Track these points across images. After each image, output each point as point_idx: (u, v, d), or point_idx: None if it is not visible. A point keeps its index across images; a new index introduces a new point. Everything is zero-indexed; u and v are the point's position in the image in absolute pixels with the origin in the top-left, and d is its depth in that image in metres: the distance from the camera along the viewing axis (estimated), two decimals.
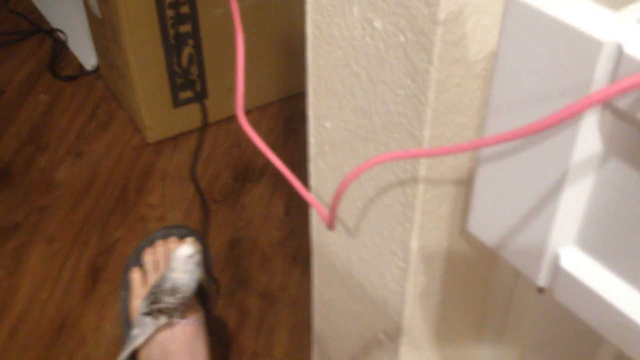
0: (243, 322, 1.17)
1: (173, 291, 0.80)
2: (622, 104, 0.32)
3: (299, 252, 1.28)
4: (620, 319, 0.39)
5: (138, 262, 0.91)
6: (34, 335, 1.15)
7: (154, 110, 1.44)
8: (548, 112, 0.36)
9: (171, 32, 1.37)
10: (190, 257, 0.81)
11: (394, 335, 0.63)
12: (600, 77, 0.33)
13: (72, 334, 1.15)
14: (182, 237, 0.92)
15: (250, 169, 1.43)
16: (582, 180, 0.37)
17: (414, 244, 0.55)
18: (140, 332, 0.83)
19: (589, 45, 0.33)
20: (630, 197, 0.36)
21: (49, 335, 1.15)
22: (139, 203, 1.36)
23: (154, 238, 0.93)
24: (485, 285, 0.67)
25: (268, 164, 1.43)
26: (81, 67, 1.66)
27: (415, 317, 0.61)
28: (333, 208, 0.45)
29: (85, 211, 1.35)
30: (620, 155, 0.35)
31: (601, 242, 0.39)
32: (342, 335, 0.73)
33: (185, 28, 1.38)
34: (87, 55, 1.66)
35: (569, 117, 0.31)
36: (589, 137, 0.35)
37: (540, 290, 0.58)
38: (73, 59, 1.69)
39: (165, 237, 0.93)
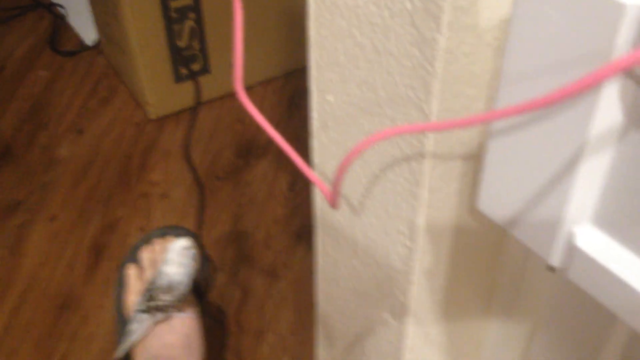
0: (246, 300, 1.15)
1: (169, 289, 0.79)
2: None
3: (303, 230, 1.26)
4: (638, 300, 0.37)
5: (134, 260, 0.91)
6: (37, 314, 1.14)
7: (156, 86, 1.41)
8: (565, 82, 0.34)
9: (172, 5, 1.34)
10: (186, 249, 0.80)
11: (399, 315, 0.61)
12: (622, 43, 0.30)
13: (75, 312, 1.14)
14: (178, 237, 0.92)
15: (254, 145, 1.41)
16: (600, 154, 0.35)
17: (421, 222, 0.53)
18: (137, 327, 0.82)
19: (610, 9, 0.30)
20: None
21: (51, 313, 1.14)
22: (141, 180, 1.35)
23: (150, 237, 0.93)
24: (494, 263, 0.65)
25: (272, 140, 1.41)
26: (81, 42, 1.63)
27: (421, 297, 0.60)
28: (336, 185, 0.43)
29: (87, 188, 1.33)
30: None
31: (620, 219, 0.37)
32: (346, 315, 0.71)
33: (186, 1, 1.35)
34: (87, 30, 1.63)
35: (589, 87, 0.28)
36: (609, 107, 0.33)
37: (551, 269, 0.56)
38: (73, 34, 1.66)
39: (161, 236, 0.93)
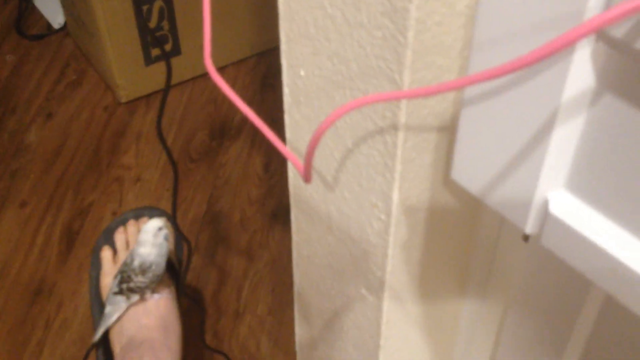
0: (224, 282, 1.15)
1: (143, 270, 0.78)
2: (618, 32, 0.30)
3: (279, 210, 1.26)
4: (612, 264, 0.37)
5: (108, 242, 0.90)
6: (11, 302, 1.12)
7: (125, 69, 1.39)
8: (537, 45, 0.33)
9: None
10: (160, 229, 0.79)
11: (376, 290, 0.61)
12: (594, 4, 0.30)
13: (49, 299, 1.13)
14: (152, 218, 0.91)
15: (227, 126, 1.40)
16: (573, 119, 0.35)
17: (395, 195, 0.53)
18: (113, 310, 0.82)
19: None
20: (624, 133, 0.34)
21: (25, 300, 1.12)
22: (113, 164, 1.33)
23: (124, 218, 0.92)
24: (469, 236, 0.65)
25: (245, 120, 1.40)
26: (48, 25, 1.60)
27: (398, 271, 0.59)
28: (308, 158, 0.43)
29: (58, 174, 1.31)
30: (614, 89, 0.33)
31: (592, 184, 0.37)
32: (323, 292, 0.71)
33: None
34: (54, 13, 1.60)
35: (562, 48, 0.28)
36: (581, 71, 0.32)
37: (526, 238, 0.56)
38: (39, 17, 1.63)
39: (136, 217, 0.92)
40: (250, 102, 1.44)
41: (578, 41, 0.29)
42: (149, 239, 0.78)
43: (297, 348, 0.85)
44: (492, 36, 0.35)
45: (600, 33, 0.31)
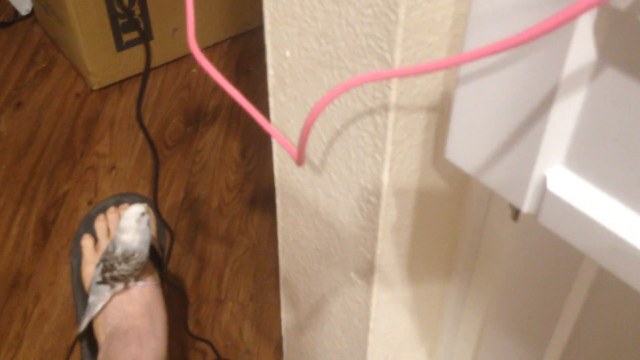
0: (204, 269, 1.14)
1: (126, 258, 0.77)
2: (622, 4, 0.29)
3: (257, 195, 1.24)
4: (612, 241, 0.37)
5: (88, 230, 0.88)
6: None
7: (97, 55, 1.36)
8: (536, 19, 0.33)
9: None
10: (142, 214, 0.77)
11: (365, 273, 0.61)
12: None
13: (26, 291, 1.11)
14: (133, 204, 0.90)
15: (202, 112, 1.38)
16: (573, 94, 0.34)
17: (386, 177, 0.52)
18: (97, 300, 0.80)
19: None
20: (624, 107, 0.33)
21: (2, 293, 1.10)
22: (87, 152, 1.30)
23: (104, 205, 0.90)
24: (456, 216, 0.65)
25: (220, 105, 1.38)
26: (15, 12, 1.56)
27: (387, 253, 0.59)
28: (302, 141, 0.42)
29: (31, 164, 1.28)
30: (616, 63, 0.32)
31: (592, 160, 0.36)
32: (310, 277, 0.70)
33: None
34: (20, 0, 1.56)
35: (567, 21, 0.27)
36: (582, 44, 0.32)
37: (515, 216, 0.55)
38: (6, 3, 1.59)
39: (116, 204, 0.90)
40: None
41: (581, 15, 0.28)
42: (131, 225, 0.77)
43: (284, 333, 0.85)
44: (489, 9, 0.35)
45: (603, 5, 0.30)
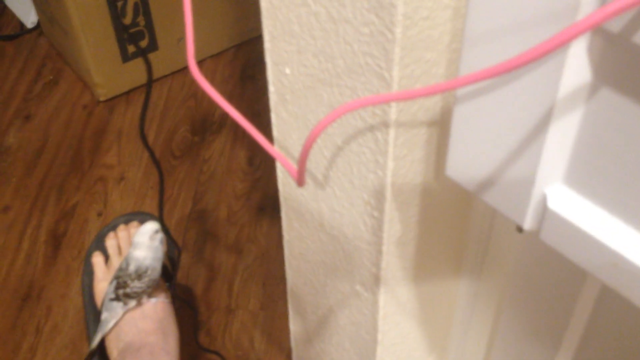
0: (214, 279, 1.14)
1: (139, 275, 0.77)
2: (615, 27, 0.29)
3: (265, 203, 1.25)
4: (613, 258, 0.37)
5: (100, 247, 0.89)
6: None
7: (103, 66, 1.37)
8: (531, 42, 0.33)
9: None
10: (156, 232, 0.78)
11: (371, 286, 0.61)
12: None
13: (38, 304, 1.11)
14: (143, 223, 0.91)
15: (209, 121, 1.39)
16: (570, 113, 0.34)
17: (388, 192, 0.52)
18: (110, 317, 0.81)
19: None
20: (621, 127, 0.33)
21: (14, 307, 1.11)
22: (96, 164, 1.31)
23: (115, 224, 0.92)
24: (462, 228, 0.65)
25: (227, 114, 1.38)
26: (21, 25, 1.57)
27: (392, 267, 0.59)
28: (302, 163, 0.42)
29: (40, 176, 1.29)
30: (610, 83, 0.32)
31: (591, 177, 0.36)
32: (317, 289, 0.70)
33: None
34: (26, 12, 1.57)
35: (561, 45, 0.27)
36: (577, 65, 0.32)
37: (520, 229, 0.55)
38: (12, 16, 1.60)
39: (126, 222, 0.91)
40: (231, 95, 1.43)
41: (574, 39, 0.28)
42: (144, 241, 0.77)
43: (292, 344, 0.85)
44: (483, 32, 0.35)
45: (597, 28, 0.30)
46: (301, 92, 0.54)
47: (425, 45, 0.45)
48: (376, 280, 0.59)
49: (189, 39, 0.49)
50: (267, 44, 0.54)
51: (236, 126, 1.36)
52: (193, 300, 1.11)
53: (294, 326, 0.81)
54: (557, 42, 0.28)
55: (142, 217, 0.92)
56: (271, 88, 0.58)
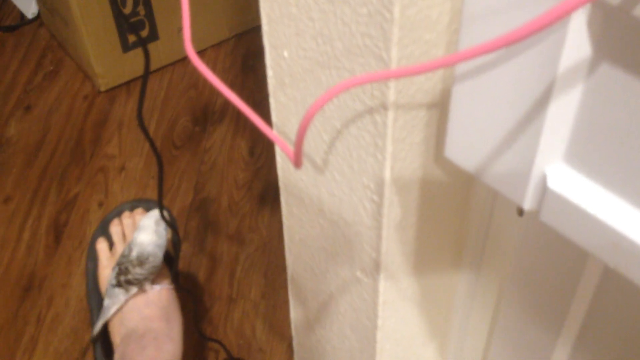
0: (215, 268, 1.14)
1: (141, 261, 0.77)
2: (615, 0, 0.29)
3: (266, 192, 1.24)
4: (614, 237, 0.36)
5: (104, 233, 0.89)
6: (1, 299, 1.10)
7: (103, 56, 1.36)
8: (529, 16, 0.32)
9: None
10: (161, 218, 0.78)
11: (371, 271, 0.60)
12: None
13: (40, 294, 1.11)
14: (148, 210, 0.91)
15: (210, 110, 1.38)
16: (570, 90, 0.34)
17: (387, 175, 0.52)
18: (111, 303, 0.81)
19: None
20: (622, 102, 0.33)
21: (15, 297, 1.11)
22: (97, 154, 1.31)
23: (120, 210, 0.92)
24: (462, 212, 0.64)
25: (228, 103, 1.38)
26: (21, 15, 1.57)
27: (392, 251, 0.59)
28: (298, 144, 0.42)
29: (41, 167, 1.29)
30: (611, 58, 0.32)
31: (591, 155, 0.36)
32: (317, 276, 0.70)
33: None
34: (26, 3, 1.56)
35: (560, 17, 0.27)
36: (577, 40, 0.31)
37: (520, 212, 0.55)
38: (12, 7, 1.59)
39: (131, 209, 0.91)
40: (231, 85, 1.42)
41: (574, 11, 0.28)
42: (150, 225, 0.77)
43: (293, 331, 0.85)
44: (482, 7, 0.34)
45: (596, 1, 0.30)
46: (300, 76, 0.54)
47: (424, 26, 0.45)
48: (376, 265, 0.59)
49: (185, 25, 0.49)
50: (265, 27, 0.54)
51: (237, 116, 1.36)
52: (195, 290, 1.11)
53: (295, 313, 0.81)
54: (559, 13, 0.28)
55: (147, 204, 0.92)
56: (269, 72, 0.57)
